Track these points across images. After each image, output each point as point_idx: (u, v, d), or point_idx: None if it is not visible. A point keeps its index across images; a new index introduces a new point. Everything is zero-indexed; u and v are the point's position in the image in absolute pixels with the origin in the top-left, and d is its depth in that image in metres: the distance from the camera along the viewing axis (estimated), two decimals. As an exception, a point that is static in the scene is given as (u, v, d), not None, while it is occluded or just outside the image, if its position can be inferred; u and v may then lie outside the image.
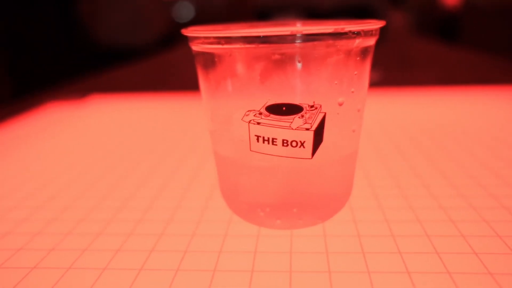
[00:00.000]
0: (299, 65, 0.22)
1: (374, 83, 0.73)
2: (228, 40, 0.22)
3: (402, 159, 0.38)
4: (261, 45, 0.22)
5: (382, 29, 0.25)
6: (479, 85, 0.67)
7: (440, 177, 0.34)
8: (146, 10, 2.36)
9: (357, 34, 0.23)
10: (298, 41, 0.21)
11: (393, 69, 0.88)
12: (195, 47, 0.25)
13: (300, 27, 0.22)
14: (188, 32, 0.25)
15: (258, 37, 0.21)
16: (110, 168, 0.39)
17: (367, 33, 0.23)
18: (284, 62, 0.22)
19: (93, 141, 0.47)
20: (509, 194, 0.30)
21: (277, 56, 0.22)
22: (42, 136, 0.50)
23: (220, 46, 0.23)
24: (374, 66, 0.87)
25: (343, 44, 0.23)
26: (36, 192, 0.34)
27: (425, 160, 0.37)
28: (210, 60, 0.24)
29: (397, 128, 0.47)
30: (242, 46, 0.22)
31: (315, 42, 0.22)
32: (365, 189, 0.32)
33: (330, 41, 0.22)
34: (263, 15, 1.27)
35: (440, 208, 0.29)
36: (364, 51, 0.24)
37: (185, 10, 2.77)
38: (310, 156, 0.24)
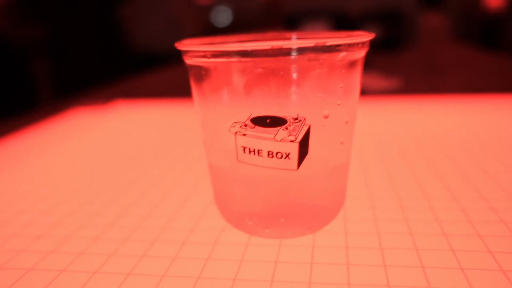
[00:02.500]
0: (282, 78, 0.23)
1: (392, 91, 0.72)
2: (213, 54, 0.23)
3: (408, 170, 0.38)
4: (243, 59, 0.22)
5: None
6: (504, 93, 0.65)
7: (444, 189, 0.33)
8: (182, 14, 2.40)
9: (341, 47, 0.23)
10: (279, 55, 0.22)
11: (418, 76, 0.86)
12: (187, 60, 0.26)
13: (280, 42, 0.22)
14: (180, 45, 0.25)
15: (240, 51, 0.22)
16: (118, 174, 0.40)
17: (352, 46, 0.23)
18: (267, 75, 0.23)
19: (110, 147, 0.49)
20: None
21: (259, 70, 0.23)
22: (64, 141, 0.52)
23: (206, 59, 0.24)
24: (395, 73, 0.86)
25: (325, 58, 0.23)
26: (50, 196, 0.36)
27: (432, 172, 0.37)
28: (200, 73, 0.25)
29: (408, 137, 0.47)
30: (226, 60, 0.23)
31: (296, 56, 0.22)
32: (364, 199, 0.32)
33: (312, 55, 0.22)
34: (292, 22, 1.27)
35: (435, 221, 0.29)
36: (350, 64, 0.25)
37: (223, 15, 2.79)
38: (295, 168, 0.24)
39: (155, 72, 1.13)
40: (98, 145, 0.50)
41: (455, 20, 2.65)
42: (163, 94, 0.80)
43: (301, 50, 0.22)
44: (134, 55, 2.35)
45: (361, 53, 0.25)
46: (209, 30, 2.60)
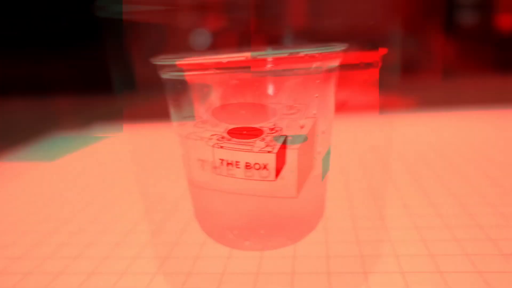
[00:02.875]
0: (257, 89, 0.23)
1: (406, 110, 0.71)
2: (187, 67, 0.23)
3: (388, 179, 0.38)
4: (218, 72, 0.23)
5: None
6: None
7: (423, 198, 0.34)
8: (169, 40, 2.41)
9: (315, 57, 0.23)
10: (254, 67, 0.22)
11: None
12: (163, 74, 0.26)
13: (254, 54, 0.22)
14: (156, 60, 0.26)
15: (215, 64, 0.22)
16: (100, 192, 0.40)
17: (325, 57, 0.24)
18: (242, 86, 0.23)
19: (95, 165, 0.49)
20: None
21: (235, 82, 0.23)
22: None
23: (181, 73, 0.24)
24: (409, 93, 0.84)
25: (300, 68, 0.23)
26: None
27: (412, 182, 0.37)
28: (175, 86, 0.25)
29: (390, 149, 0.47)
30: (200, 72, 0.23)
31: (270, 68, 0.22)
32: (344, 209, 0.32)
33: (286, 66, 0.23)
34: (273, 42, 1.28)
35: (415, 228, 0.29)
36: (325, 74, 0.25)
37: (202, 38, 2.80)
38: (274, 179, 0.25)
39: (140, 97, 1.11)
40: (86, 165, 0.50)
41: (464, 43, 2.63)
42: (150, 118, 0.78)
43: (275, 61, 0.22)
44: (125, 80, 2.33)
45: (335, 63, 0.25)
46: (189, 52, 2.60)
